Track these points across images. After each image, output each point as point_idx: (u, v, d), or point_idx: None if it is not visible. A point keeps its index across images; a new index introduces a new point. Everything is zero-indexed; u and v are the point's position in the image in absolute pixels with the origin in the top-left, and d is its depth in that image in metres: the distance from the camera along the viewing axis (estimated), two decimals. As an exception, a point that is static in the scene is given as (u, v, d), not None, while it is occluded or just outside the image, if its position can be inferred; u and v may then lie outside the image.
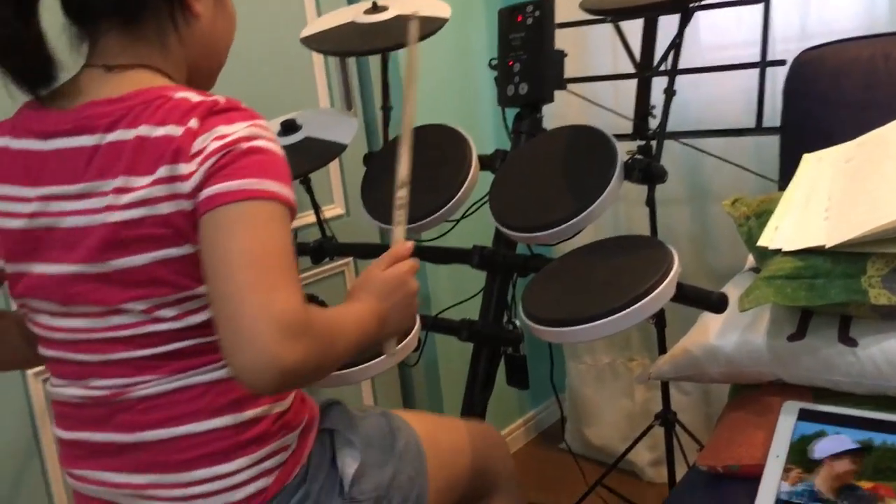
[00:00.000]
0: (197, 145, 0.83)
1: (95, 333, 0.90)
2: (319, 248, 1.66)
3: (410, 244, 1.09)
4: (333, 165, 1.97)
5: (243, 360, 0.77)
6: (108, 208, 0.86)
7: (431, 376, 2.21)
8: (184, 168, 0.83)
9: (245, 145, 0.84)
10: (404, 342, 1.27)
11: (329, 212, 1.92)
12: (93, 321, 0.90)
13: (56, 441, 0.99)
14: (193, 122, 0.84)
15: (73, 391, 0.94)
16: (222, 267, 0.80)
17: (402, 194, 1.14)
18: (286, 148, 1.56)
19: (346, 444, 1.04)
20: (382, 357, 1.27)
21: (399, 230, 1.12)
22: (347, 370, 1.25)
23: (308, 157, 1.56)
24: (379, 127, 1.99)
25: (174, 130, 0.84)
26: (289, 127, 1.61)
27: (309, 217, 1.75)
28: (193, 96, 0.87)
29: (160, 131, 0.84)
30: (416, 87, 1.22)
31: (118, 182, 0.85)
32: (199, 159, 0.83)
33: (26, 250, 0.91)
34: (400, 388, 2.20)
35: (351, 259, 2.03)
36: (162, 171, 0.84)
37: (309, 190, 1.65)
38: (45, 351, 0.96)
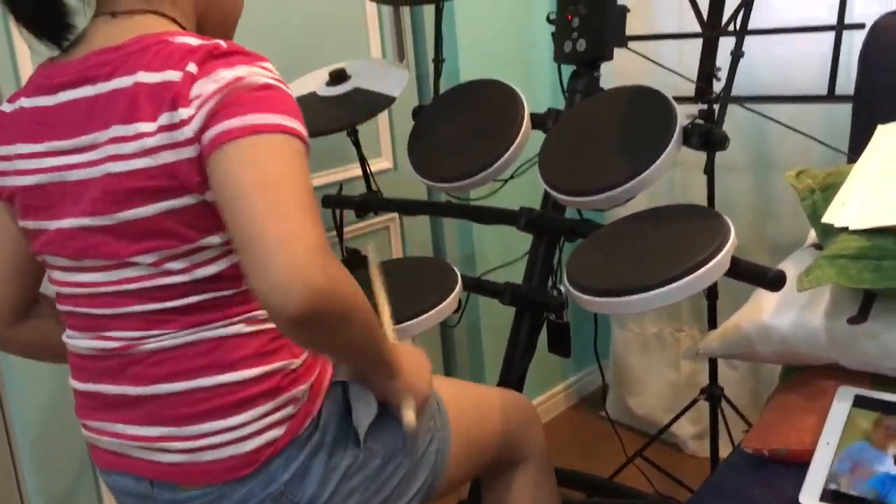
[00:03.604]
0: (196, 89, 0.81)
1: (107, 287, 0.91)
2: (365, 201, 1.63)
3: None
4: (382, 118, 1.94)
5: (274, 277, 0.75)
6: (111, 158, 0.85)
7: (473, 338, 2.19)
8: (183, 112, 0.81)
9: (246, 82, 0.82)
10: (448, 301, 1.25)
11: (376, 165, 1.89)
12: (104, 275, 0.90)
13: (72, 392, 1.00)
14: (192, 67, 0.82)
15: (86, 343, 0.94)
16: (239, 196, 0.78)
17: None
18: (335, 98, 1.56)
19: (361, 396, 1.02)
20: (426, 315, 1.25)
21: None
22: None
23: (356, 108, 1.53)
24: (431, 80, 1.95)
25: (173, 75, 0.82)
26: (338, 76, 1.58)
27: (355, 170, 1.73)
28: (193, 40, 0.85)
29: (158, 77, 0.83)
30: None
31: (118, 131, 0.84)
32: (197, 102, 0.81)
33: (41, 206, 0.92)
34: (441, 348, 2.19)
35: (396, 215, 2.00)
36: (162, 119, 0.82)
37: (356, 142, 1.62)
38: (60, 306, 0.98)
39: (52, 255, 0.94)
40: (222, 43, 0.85)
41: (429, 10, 1.95)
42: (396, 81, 1.56)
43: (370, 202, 1.64)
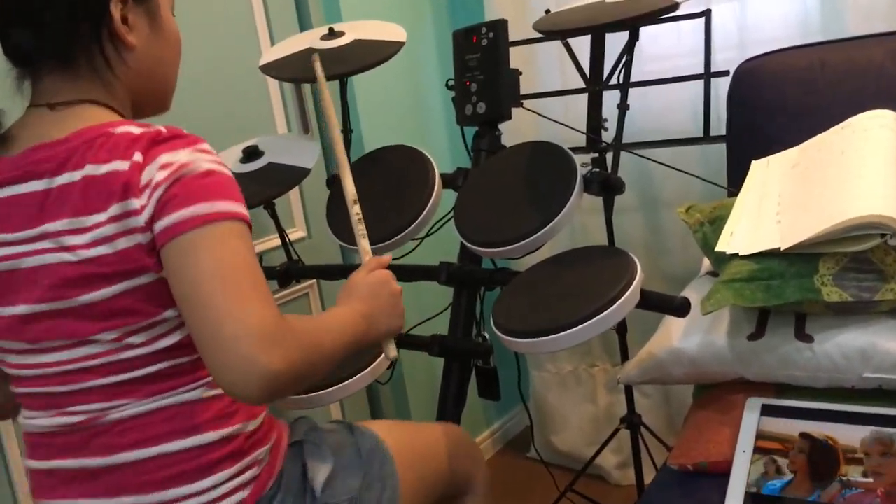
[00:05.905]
0: (144, 177, 0.85)
1: (67, 366, 0.92)
2: (286, 271, 1.67)
3: (388, 256, 1.16)
4: (294, 189, 1.97)
5: (231, 376, 0.81)
6: (66, 248, 0.87)
7: (399, 393, 2.23)
8: (135, 202, 0.85)
9: (191, 169, 0.86)
10: (379, 360, 1.30)
11: (292, 235, 1.93)
12: (63, 354, 0.92)
13: (27, 472, 0.99)
14: (138, 156, 0.86)
15: (47, 421, 0.94)
16: (193, 292, 0.84)
17: (357, 210, 1.22)
18: (250, 174, 1.60)
19: (315, 453, 1.07)
20: (353, 378, 1.29)
21: (364, 243, 1.20)
22: (317, 393, 1.27)
23: (273, 182, 1.57)
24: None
25: (120, 165, 0.86)
26: (251, 153, 1.62)
27: (273, 241, 1.76)
28: (135, 129, 0.89)
29: (105, 168, 0.86)
30: (333, 115, 1.32)
31: (71, 223, 0.87)
32: (148, 192, 0.85)
33: None
34: (368, 406, 2.21)
35: (314, 281, 2.04)
36: (114, 209, 0.86)
37: (273, 214, 1.66)
38: (16, 388, 0.98)
39: (5, 340, 0.94)
40: (162, 129, 0.89)
41: (330, 85, 2.01)
42: (309, 153, 1.62)
43: (292, 271, 1.68)
